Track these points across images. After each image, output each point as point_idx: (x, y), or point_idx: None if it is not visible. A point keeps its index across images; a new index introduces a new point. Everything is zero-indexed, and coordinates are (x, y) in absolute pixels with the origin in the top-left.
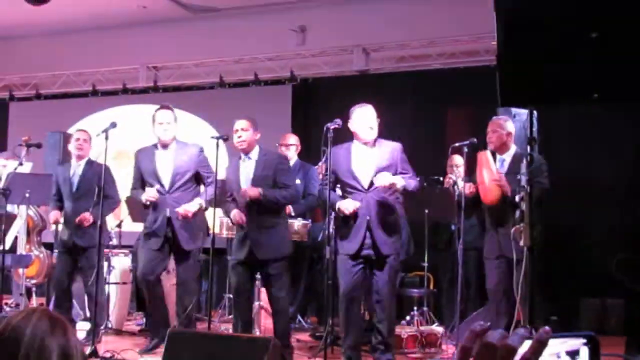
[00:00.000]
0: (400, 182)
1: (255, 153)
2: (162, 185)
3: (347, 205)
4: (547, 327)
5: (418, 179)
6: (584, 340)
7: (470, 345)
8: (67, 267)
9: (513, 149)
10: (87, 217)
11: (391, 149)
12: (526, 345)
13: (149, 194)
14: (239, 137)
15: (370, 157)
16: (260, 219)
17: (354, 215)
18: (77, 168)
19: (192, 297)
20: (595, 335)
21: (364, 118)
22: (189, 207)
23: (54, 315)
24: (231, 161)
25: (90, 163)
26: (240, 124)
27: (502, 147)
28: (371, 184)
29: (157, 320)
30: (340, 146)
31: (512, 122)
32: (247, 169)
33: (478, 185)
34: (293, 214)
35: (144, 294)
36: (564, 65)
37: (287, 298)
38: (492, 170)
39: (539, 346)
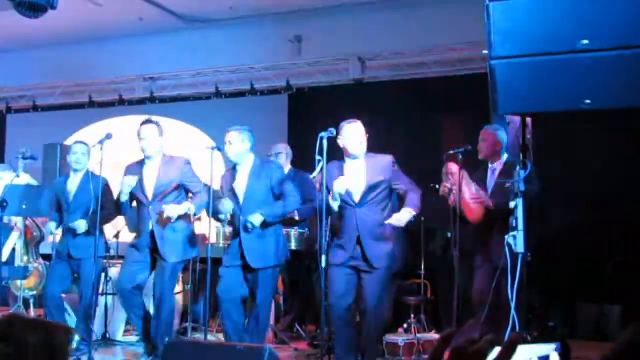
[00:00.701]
0: (407, 217)
1: (249, 163)
2: (145, 197)
3: (340, 184)
4: (516, 332)
5: (415, 189)
6: (554, 346)
7: (440, 352)
8: (59, 275)
9: (504, 157)
10: (82, 224)
11: (382, 163)
12: (496, 350)
13: (127, 181)
14: (227, 149)
15: (361, 172)
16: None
17: (343, 229)
18: (74, 179)
19: (169, 318)
20: (565, 340)
21: (353, 134)
22: (175, 208)
23: (29, 317)
24: (226, 170)
25: (88, 175)
26: (227, 136)
27: (492, 156)
28: (361, 199)
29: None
30: (333, 163)
31: (504, 131)
32: (241, 179)
33: (461, 202)
34: (297, 217)
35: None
36: (556, 73)
37: (269, 307)
38: (470, 188)
39: (509, 351)
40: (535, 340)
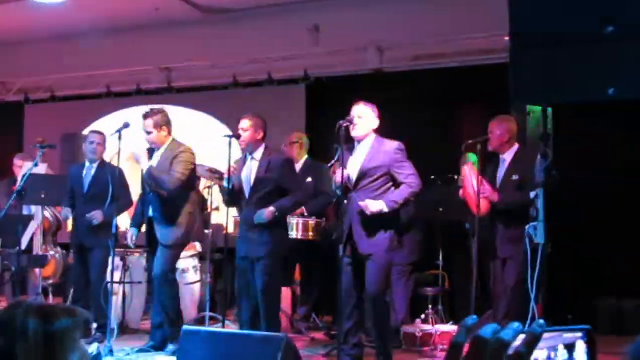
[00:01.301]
0: (376, 207)
1: (259, 154)
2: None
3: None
4: (541, 321)
5: (411, 183)
6: (580, 334)
7: (462, 341)
8: (81, 267)
9: (514, 147)
10: (99, 216)
11: (386, 149)
12: (520, 339)
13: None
14: (239, 136)
15: (360, 156)
16: (251, 221)
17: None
18: (90, 169)
19: (170, 300)
20: (591, 329)
21: (354, 114)
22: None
23: (36, 303)
24: (241, 157)
25: (103, 164)
26: (242, 123)
27: (501, 147)
28: (356, 183)
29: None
30: (347, 147)
31: (516, 121)
32: (251, 169)
33: (466, 198)
34: (306, 213)
35: None
36: (579, 62)
37: (274, 297)
38: (474, 184)
39: (533, 340)
40: (562, 329)
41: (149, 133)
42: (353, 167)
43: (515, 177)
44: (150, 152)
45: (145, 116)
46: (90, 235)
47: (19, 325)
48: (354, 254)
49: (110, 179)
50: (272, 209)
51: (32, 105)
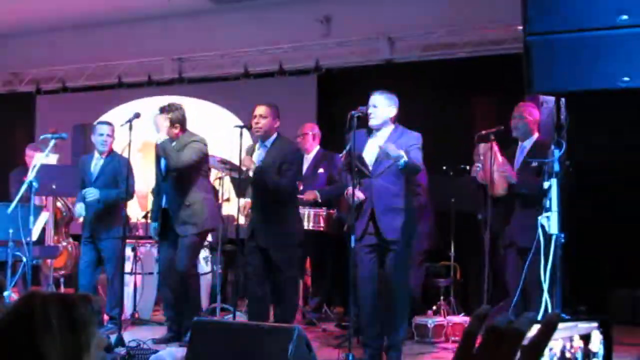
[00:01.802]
0: (397, 151)
1: (270, 141)
2: (161, 172)
3: (351, 196)
4: (556, 311)
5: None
6: (596, 325)
7: (475, 330)
8: (89, 257)
9: (535, 136)
10: (93, 191)
11: (406, 139)
12: (535, 329)
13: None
14: (257, 123)
15: (378, 143)
16: (263, 206)
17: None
18: (98, 160)
19: (194, 292)
20: (607, 319)
21: (370, 103)
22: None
23: (49, 293)
24: (250, 146)
25: (112, 155)
26: (259, 110)
27: (526, 134)
28: (375, 168)
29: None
30: (361, 131)
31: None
32: (260, 155)
33: (485, 177)
34: (320, 200)
35: None
36: (593, 50)
37: (293, 289)
38: (498, 160)
39: (548, 330)
40: (577, 319)
41: (161, 125)
42: (370, 153)
43: (534, 164)
44: None
45: (162, 110)
46: (101, 226)
47: (40, 316)
48: (375, 241)
49: (118, 170)
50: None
51: (43, 95)
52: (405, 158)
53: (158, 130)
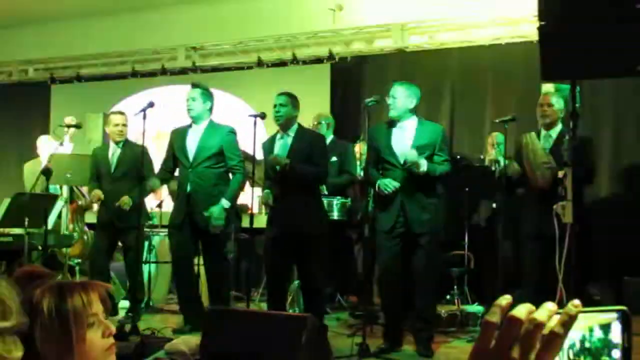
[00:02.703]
0: (424, 165)
1: (293, 131)
2: (187, 160)
3: (387, 184)
4: (576, 301)
5: (446, 167)
6: (616, 315)
7: (495, 320)
8: (104, 245)
9: (560, 126)
10: (127, 201)
11: (432, 129)
12: (554, 319)
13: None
14: (277, 112)
15: (409, 133)
16: (290, 194)
17: (392, 192)
18: (115, 149)
19: (224, 288)
20: (627, 310)
21: (391, 94)
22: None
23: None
24: (267, 140)
25: (128, 144)
26: (279, 99)
27: (552, 123)
28: (404, 162)
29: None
30: (382, 123)
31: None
32: (283, 145)
33: (526, 170)
34: (326, 192)
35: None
36: (608, 37)
37: (321, 275)
38: (540, 154)
39: (569, 320)
40: (597, 309)
41: (193, 100)
42: (399, 146)
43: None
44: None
45: (195, 85)
46: (121, 216)
47: (35, 304)
48: (402, 233)
49: (136, 159)
50: (288, 160)
51: (58, 85)
52: (424, 168)
53: (192, 101)
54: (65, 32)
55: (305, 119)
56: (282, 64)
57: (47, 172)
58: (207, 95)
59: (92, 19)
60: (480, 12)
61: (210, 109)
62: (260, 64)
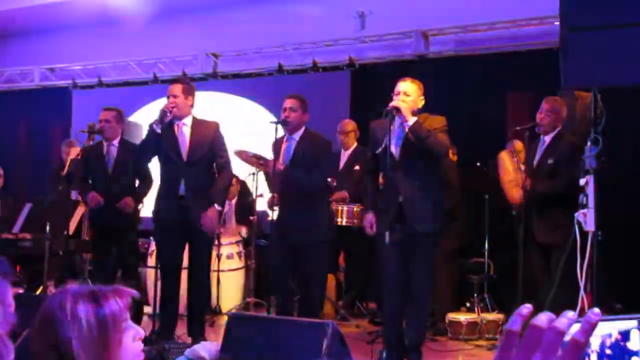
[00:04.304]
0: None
1: (298, 134)
2: (179, 156)
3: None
4: (596, 309)
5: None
6: (636, 323)
7: (517, 328)
8: (106, 252)
9: (557, 130)
10: (130, 202)
11: (431, 121)
12: (575, 328)
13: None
14: (287, 116)
15: (403, 131)
16: (292, 201)
17: (387, 195)
18: (109, 148)
19: (204, 295)
20: None
21: (395, 89)
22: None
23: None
24: (274, 141)
25: (124, 143)
26: (289, 102)
27: (547, 127)
28: (400, 159)
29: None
30: (381, 120)
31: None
32: (290, 150)
33: (502, 185)
34: (348, 199)
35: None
36: (630, 44)
37: (316, 282)
38: (509, 170)
39: (589, 328)
40: (616, 317)
41: (175, 97)
42: (395, 142)
43: (550, 161)
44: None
45: (175, 81)
46: (119, 217)
47: (70, 311)
48: (401, 236)
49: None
50: (283, 166)
51: (79, 90)
52: (409, 119)
53: (173, 97)
54: (87, 38)
55: (325, 125)
56: (302, 70)
57: (69, 177)
58: (189, 91)
59: (113, 26)
60: (501, 19)
61: (192, 105)
62: (280, 70)
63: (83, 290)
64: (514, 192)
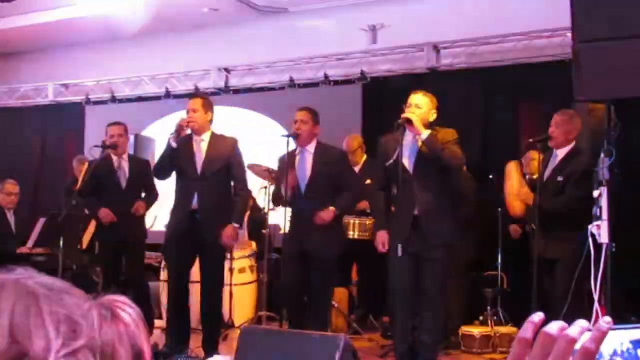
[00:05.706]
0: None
1: (312, 147)
2: (194, 171)
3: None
4: (607, 317)
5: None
6: None
7: (528, 336)
8: (115, 266)
9: (571, 145)
10: (143, 205)
11: (441, 134)
12: (586, 335)
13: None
14: (298, 128)
15: (417, 144)
16: (308, 217)
17: (401, 207)
18: (121, 163)
19: (217, 309)
20: None
21: (407, 102)
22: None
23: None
24: (284, 154)
25: (132, 157)
26: (300, 114)
27: (562, 143)
28: (415, 168)
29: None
30: (391, 134)
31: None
32: (304, 163)
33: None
34: (368, 210)
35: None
36: None
37: (324, 295)
38: (513, 183)
39: (600, 336)
40: (628, 326)
41: (194, 111)
42: (408, 156)
43: (560, 178)
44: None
45: (194, 95)
46: (129, 231)
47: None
48: (416, 248)
49: (144, 174)
50: (332, 208)
51: (92, 106)
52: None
53: (193, 112)
54: (99, 53)
55: (337, 139)
56: (313, 84)
57: (81, 193)
58: (209, 106)
59: (125, 42)
60: (512, 32)
61: (211, 121)
62: (292, 84)
63: (94, 303)
64: (515, 205)
